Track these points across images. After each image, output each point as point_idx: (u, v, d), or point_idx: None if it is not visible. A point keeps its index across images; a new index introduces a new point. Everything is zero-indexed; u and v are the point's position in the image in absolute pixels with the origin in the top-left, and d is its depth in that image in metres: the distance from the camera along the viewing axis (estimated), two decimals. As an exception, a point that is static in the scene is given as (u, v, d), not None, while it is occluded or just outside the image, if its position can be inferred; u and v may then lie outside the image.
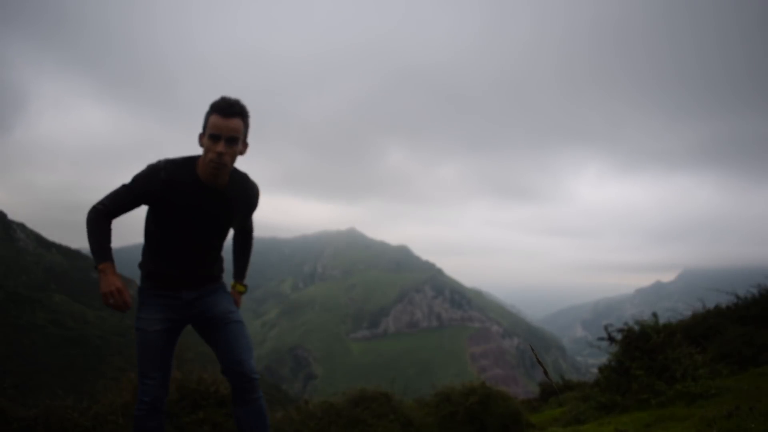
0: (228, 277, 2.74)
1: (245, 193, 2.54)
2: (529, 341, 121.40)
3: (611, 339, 5.30)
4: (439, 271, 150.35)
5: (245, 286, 2.85)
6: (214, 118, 2.30)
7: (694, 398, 4.15)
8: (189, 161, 2.40)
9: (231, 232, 2.67)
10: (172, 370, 2.55)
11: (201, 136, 2.38)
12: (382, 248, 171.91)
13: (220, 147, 2.29)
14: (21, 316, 35.86)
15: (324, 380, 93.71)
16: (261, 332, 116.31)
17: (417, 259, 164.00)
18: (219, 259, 2.64)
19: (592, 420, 4.60)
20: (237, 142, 2.34)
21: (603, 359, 5.43)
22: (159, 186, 2.33)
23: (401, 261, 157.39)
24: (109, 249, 2.38)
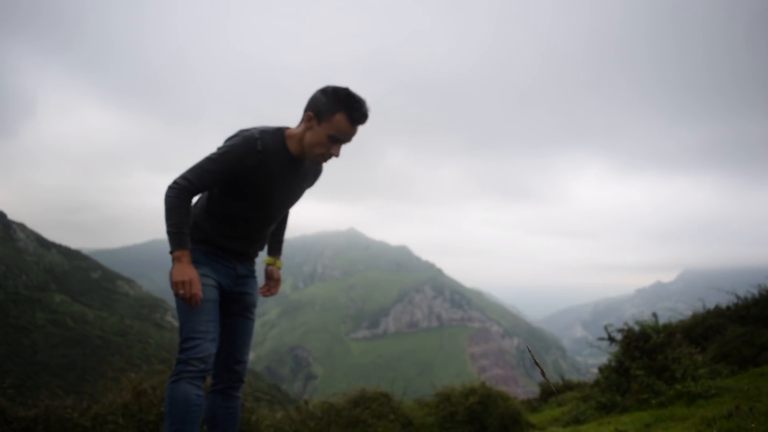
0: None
1: (315, 169, 2.45)
2: (529, 341, 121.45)
3: (611, 339, 5.30)
4: (439, 271, 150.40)
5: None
6: (343, 121, 2.11)
7: (694, 398, 4.14)
8: (279, 133, 2.22)
9: None
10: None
11: (310, 118, 2.16)
12: (382, 248, 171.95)
13: (337, 151, 2.17)
14: (21, 316, 35.87)
15: (324, 380, 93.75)
16: (261, 332, 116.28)
17: (417, 259, 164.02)
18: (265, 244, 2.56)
19: (592, 420, 4.60)
20: None
21: (603, 359, 5.43)
22: (255, 158, 2.13)
23: (401, 261, 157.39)
24: (188, 235, 2.13)
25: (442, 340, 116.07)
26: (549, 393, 7.70)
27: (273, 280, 2.63)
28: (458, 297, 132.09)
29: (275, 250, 2.68)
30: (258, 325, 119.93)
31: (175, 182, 2.12)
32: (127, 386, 3.91)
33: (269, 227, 2.43)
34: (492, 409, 4.67)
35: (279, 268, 2.66)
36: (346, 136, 2.14)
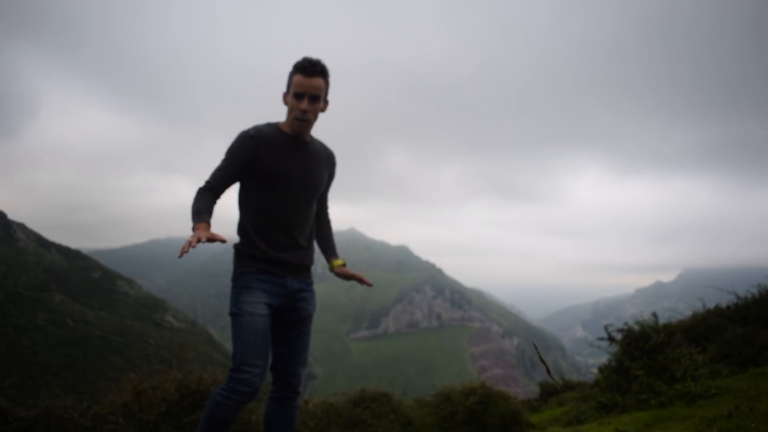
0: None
1: (326, 152, 2.66)
2: (529, 341, 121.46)
3: (611, 339, 5.30)
4: (439, 271, 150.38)
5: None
6: (297, 78, 2.41)
7: (694, 398, 4.15)
8: (271, 123, 2.53)
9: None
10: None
11: (285, 95, 2.50)
12: (382, 248, 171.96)
13: (304, 104, 2.41)
14: (21, 316, 35.88)
15: (324, 380, 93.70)
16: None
17: (417, 259, 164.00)
18: (313, 237, 2.67)
19: (592, 420, 4.60)
20: (319, 99, 2.45)
21: (603, 359, 5.44)
22: (251, 142, 2.42)
23: (401, 261, 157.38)
24: (207, 214, 2.33)
25: (442, 340, 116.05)
26: (549, 393, 7.69)
27: (353, 277, 2.68)
28: (458, 297, 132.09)
29: (332, 251, 2.79)
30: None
31: (198, 188, 2.43)
32: (127, 386, 3.91)
33: (300, 213, 2.53)
34: (492, 409, 4.66)
35: (344, 265, 2.74)
36: (305, 88, 2.40)
